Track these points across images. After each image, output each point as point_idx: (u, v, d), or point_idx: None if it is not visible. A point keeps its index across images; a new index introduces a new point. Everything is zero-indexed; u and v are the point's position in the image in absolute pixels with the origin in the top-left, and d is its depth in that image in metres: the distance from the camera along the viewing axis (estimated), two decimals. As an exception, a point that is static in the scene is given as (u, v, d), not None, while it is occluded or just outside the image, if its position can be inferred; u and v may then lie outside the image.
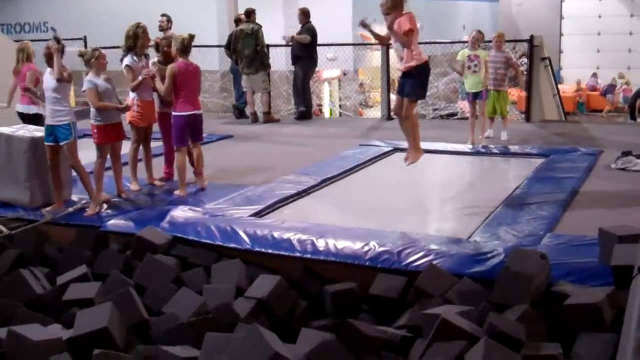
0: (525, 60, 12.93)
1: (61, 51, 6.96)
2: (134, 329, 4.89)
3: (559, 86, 14.91)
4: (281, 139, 11.34)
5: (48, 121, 6.99)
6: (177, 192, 7.65)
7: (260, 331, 4.12)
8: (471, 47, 10.00)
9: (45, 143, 7.08)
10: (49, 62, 6.91)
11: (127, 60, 7.65)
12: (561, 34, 29.82)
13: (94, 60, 7.16)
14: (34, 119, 9.11)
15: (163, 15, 11.94)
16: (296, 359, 4.02)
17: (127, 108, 7.51)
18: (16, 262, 6.10)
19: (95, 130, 7.32)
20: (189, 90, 7.56)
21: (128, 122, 7.80)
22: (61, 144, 6.99)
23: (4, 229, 6.70)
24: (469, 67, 9.94)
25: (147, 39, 7.79)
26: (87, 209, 7.08)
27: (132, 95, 7.77)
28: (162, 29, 11.64)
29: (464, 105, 14.92)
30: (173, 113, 7.61)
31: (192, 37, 7.61)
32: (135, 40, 7.69)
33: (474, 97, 10.04)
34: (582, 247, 5.40)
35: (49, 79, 6.96)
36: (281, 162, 9.10)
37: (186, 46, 7.56)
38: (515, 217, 6.42)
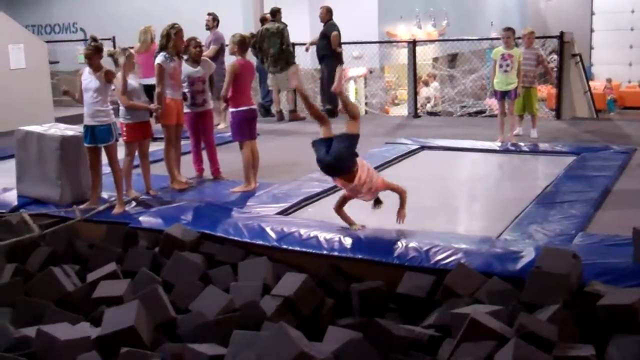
0: (555, 56, 12.79)
1: (99, 51, 6.96)
2: (161, 327, 4.91)
3: (590, 83, 14.71)
4: (307, 137, 11.19)
5: (87, 121, 6.98)
6: (239, 188, 7.67)
7: (286, 330, 4.11)
8: (506, 46, 9.88)
9: (85, 144, 7.08)
10: (89, 62, 6.91)
11: (159, 59, 7.67)
12: (592, 30, 29.48)
13: (124, 59, 7.22)
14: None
15: (209, 14, 12.10)
16: (322, 358, 3.99)
17: (155, 109, 7.53)
18: (48, 260, 6.16)
19: (124, 128, 7.38)
20: (247, 87, 7.71)
21: (156, 122, 7.81)
22: (99, 145, 7.01)
23: (36, 228, 6.74)
24: (501, 66, 9.83)
25: (180, 40, 7.78)
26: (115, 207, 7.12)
27: (168, 94, 7.74)
28: (208, 27, 11.72)
29: (492, 103, 14.82)
30: (232, 109, 7.70)
31: (253, 35, 7.72)
32: (168, 40, 7.70)
33: (503, 95, 9.94)
34: (615, 247, 5.33)
35: (89, 79, 6.94)
36: (307, 160, 9.02)
37: (244, 44, 7.69)
38: (546, 215, 6.34)
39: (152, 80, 8.15)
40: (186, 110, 8.03)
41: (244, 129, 7.69)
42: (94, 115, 6.94)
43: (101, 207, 7.14)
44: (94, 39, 7.05)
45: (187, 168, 8.30)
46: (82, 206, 7.20)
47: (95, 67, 6.92)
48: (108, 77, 6.93)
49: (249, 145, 7.71)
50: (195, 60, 7.99)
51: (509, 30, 9.97)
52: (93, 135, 6.99)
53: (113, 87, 7.21)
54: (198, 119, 8.12)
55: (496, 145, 9.83)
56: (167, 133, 7.87)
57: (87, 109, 6.98)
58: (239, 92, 7.60)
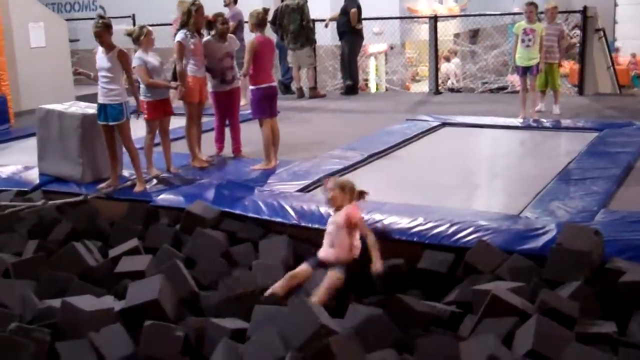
0: (578, 31, 12.65)
1: (108, 28, 6.92)
2: (184, 301, 4.95)
3: (614, 58, 14.53)
4: (327, 114, 11.31)
5: (100, 100, 6.98)
6: (259, 166, 7.69)
7: (308, 304, 4.13)
8: (528, 21, 9.77)
9: (99, 122, 7.08)
10: (100, 40, 6.90)
11: (179, 36, 7.65)
12: (616, 4, 29.03)
13: (143, 37, 7.22)
14: None
15: None
16: (343, 332, 4.01)
17: (176, 87, 7.54)
18: (69, 236, 6.21)
19: (145, 106, 7.39)
20: (267, 64, 7.68)
21: (179, 99, 7.82)
22: (111, 123, 6.98)
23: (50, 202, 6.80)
24: (523, 41, 9.73)
25: (200, 17, 7.73)
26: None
27: (190, 71, 7.72)
28: (226, 4, 11.71)
29: (514, 79, 14.68)
30: (251, 87, 7.68)
31: (266, 11, 7.75)
32: (189, 17, 7.67)
33: (524, 70, 9.85)
34: (637, 224, 5.28)
35: (101, 58, 6.92)
36: (327, 138, 9.08)
37: (262, 20, 7.67)
38: (567, 192, 6.30)
39: None
40: (215, 88, 8.02)
41: (264, 106, 7.68)
42: (105, 94, 6.93)
43: (121, 186, 7.17)
44: (101, 16, 7.04)
45: (207, 146, 8.31)
46: (103, 185, 7.22)
47: (107, 46, 6.88)
48: (121, 57, 6.87)
49: (269, 123, 7.69)
50: (222, 37, 7.97)
51: (532, 4, 9.84)
52: (105, 114, 6.97)
53: (133, 65, 7.22)
54: (227, 97, 8.10)
55: (518, 121, 9.75)
56: (189, 110, 7.86)
57: (100, 87, 6.97)
58: (258, 70, 7.58)
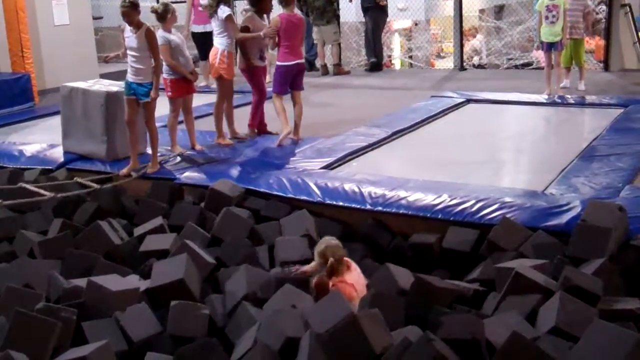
0: (604, 7, 12.47)
1: (136, 7, 6.88)
2: (207, 280, 4.99)
3: (640, 33, 14.31)
4: (352, 91, 11.29)
5: (129, 77, 6.99)
6: (281, 137, 7.72)
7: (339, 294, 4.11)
8: None
9: (125, 96, 7.07)
10: (127, 20, 6.89)
11: (228, 10, 7.65)
12: (643, -21, 28.58)
13: (170, 15, 7.24)
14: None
15: None
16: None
17: (196, 76, 7.57)
18: (94, 214, 6.26)
19: (169, 84, 7.40)
20: (293, 41, 7.70)
21: (215, 77, 7.83)
22: (140, 101, 6.99)
23: (94, 185, 6.83)
24: (547, 18, 9.61)
25: None
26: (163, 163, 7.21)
27: (221, 48, 7.72)
28: None
29: (539, 55, 14.51)
30: (277, 63, 7.76)
31: None
32: None
33: (549, 47, 9.74)
34: (662, 200, 5.24)
35: (129, 37, 6.91)
36: (352, 115, 9.06)
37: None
38: (592, 169, 6.26)
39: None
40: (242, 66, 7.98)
41: (283, 84, 7.74)
42: (135, 73, 6.93)
43: (141, 169, 7.16)
44: None
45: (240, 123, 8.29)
46: (124, 170, 7.18)
47: (135, 25, 6.88)
48: (148, 35, 6.85)
49: (280, 97, 7.79)
50: (266, 14, 7.97)
51: None
52: (133, 90, 6.97)
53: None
54: (262, 72, 8.16)
55: (543, 97, 9.67)
56: (225, 87, 7.86)
57: (129, 66, 6.99)
58: (284, 47, 7.63)
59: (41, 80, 11.61)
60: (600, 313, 3.91)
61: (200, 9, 10.40)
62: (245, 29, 7.76)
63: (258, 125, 8.23)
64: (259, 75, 8.06)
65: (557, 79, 9.95)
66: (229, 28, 7.64)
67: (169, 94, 7.49)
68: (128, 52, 6.97)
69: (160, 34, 7.25)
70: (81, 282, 4.70)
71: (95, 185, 6.78)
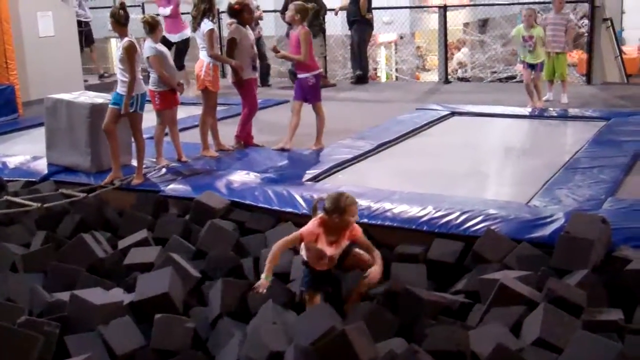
0: (586, 21, 12.59)
1: (117, 23, 6.88)
2: (192, 292, 4.98)
3: (621, 47, 14.48)
4: (337, 104, 11.27)
5: (117, 88, 6.98)
6: (314, 147, 7.96)
7: (324, 306, 4.12)
8: (526, 25, 9.83)
9: (110, 105, 7.02)
10: (118, 30, 6.88)
11: (211, 24, 7.66)
12: (624, -6, 28.88)
13: (159, 27, 7.26)
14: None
15: None
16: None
17: (182, 88, 7.57)
18: (78, 227, 6.22)
19: (157, 96, 7.39)
20: (312, 50, 8.00)
21: (200, 89, 7.83)
22: (122, 112, 6.94)
23: (78, 194, 6.78)
24: (524, 46, 9.85)
25: (215, 3, 7.83)
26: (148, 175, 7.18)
27: (207, 60, 7.72)
28: None
29: (522, 68, 14.64)
30: (313, 73, 7.90)
31: (314, 7, 8.14)
32: (210, 4, 7.69)
33: (529, 66, 9.90)
34: (644, 212, 5.28)
35: (118, 48, 6.90)
36: (337, 127, 9.07)
37: (309, 12, 7.94)
38: (575, 181, 6.30)
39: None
40: (248, 75, 8.00)
41: (320, 90, 8.03)
42: (121, 85, 6.91)
43: (130, 178, 7.12)
44: (120, 6, 6.98)
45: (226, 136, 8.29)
46: (106, 180, 7.13)
47: (121, 36, 6.88)
48: (127, 49, 6.76)
49: (322, 106, 8.02)
50: (249, 24, 8.00)
51: (530, 10, 10.10)
52: (118, 103, 6.92)
53: (147, 55, 7.22)
54: (255, 85, 8.20)
55: (526, 110, 9.75)
56: (210, 99, 7.86)
57: (118, 77, 6.98)
58: (312, 57, 7.94)
59: (25, 92, 11.55)
60: (584, 324, 3.94)
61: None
62: (232, 40, 7.77)
63: (245, 138, 8.23)
64: (251, 87, 8.06)
65: (538, 92, 10.04)
66: (207, 42, 7.65)
67: (157, 106, 7.47)
68: (116, 63, 6.96)
69: (149, 44, 7.25)
70: (64, 295, 4.68)
71: (80, 194, 6.75)
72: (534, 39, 9.69)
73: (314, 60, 7.98)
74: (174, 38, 11.40)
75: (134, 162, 7.34)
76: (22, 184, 7.34)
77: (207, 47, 7.64)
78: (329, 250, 4.61)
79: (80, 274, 5.22)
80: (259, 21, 12.51)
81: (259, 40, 12.34)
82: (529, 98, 9.95)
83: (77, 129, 7.44)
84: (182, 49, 11.79)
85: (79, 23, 13.65)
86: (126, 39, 6.83)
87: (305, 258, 4.74)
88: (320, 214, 4.66)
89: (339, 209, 4.48)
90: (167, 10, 11.53)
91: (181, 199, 6.63)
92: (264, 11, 13.40)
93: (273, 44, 8.27)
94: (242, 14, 7.86)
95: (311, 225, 4.62)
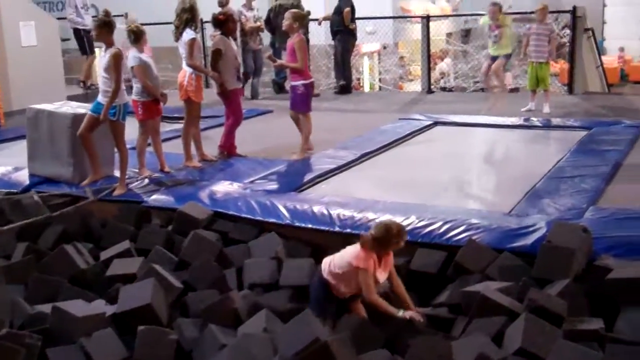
0: (567, 31, 12.70)
1: (105, 26, 6.89)
2: (175, 304, 4.96)
3: (602, 57, 14.61)
4: (321, 114, 11.26)
5: (99, 98, 6.96)
6: (296, 156, 7.98)
7: (309, 317, 4.12)
8: (491, 17, 10.04)
9: (89, 112, 7.02)
10: (105, 39, 6.85)
11: (192, 33, 7.65)
12: (604, 5, 29.15)
13: (145, 36, 7.25)
14: None
15: None
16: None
17: (165, 99, 7.55)
18: (60, 238, 6.18)
19: (140, 106, 7.38)
20: (307, 59, 8.07)
21: (183, 99, 7.82)
22: (101, 119, 6.90)
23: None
24: (490, 37, 10.03)
25: (198, 13, 7.83)
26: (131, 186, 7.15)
27: (189, 70, 7.71)
28: (221, 4, 11.77)
29: (507, 78, 14.74)
30: (304, 81, 7.96)
31: (309, 13, 8.26)
32: (193, 14, 7.68)
33: (493, 58, 10.10)
34: (625, 221, 5.32)
35: (102, 57, 6.86)
36: (321, 137, 9.08)
37: (306, 20, 8.19)
38: (557, 190, 6.34)
39: None
40: (233, 86, 7.99)
41: (310, 100, 8.08)
42: (104, 94, 6.90)
43: (112, 187, 7.09)
44: (104, 14, 6.97)
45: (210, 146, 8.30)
46: (84, 182, 7.18)
47: (107, 45, 6.86)
48: (115, 57, 6.79)
49: (310, 116, 8.05)
50: (232, 35, 8.00)
51: (495, 5, 10.55)
52: (98, 110, 6.93)
53: (132, 64, 7.21)
54: (240, 95, 8.20)
55: (509, 120, 9.80)
56: (193, 110, 7.85)
57: (100, 86, 6.96)
58: (306, 66, 7.97)
59: (7, 102, 11.50)
60: (565, 333, 3.96)
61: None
62: (217, 51, 7.78)
63: (228, 148, 8.22)
64: (236, 97, 8.05)
65: (500, 83, 10.27)
66: (187, 52, 7.65)
67: (140, 116, 7.45)
68: (99, 72, 6.92)
69: (134, 54, 7.24)
70: (46, 307, 4.65)
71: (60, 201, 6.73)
72: (501, 29, 9.85)
73: (306, 69, 8.02)
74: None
75: (117, 173, 7.31)
76: (3, 194, 7.27)
77: (187, 57, 7.64)
78: (382, 277, 4.65)
79: (62, 285, 5.20)
80: (260, 33, 12.51)
81: (256, 52, 12.37)
82: (486, 82, 10.22)
83: (59, 140, 7.41)
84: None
85: (78, 31, 13.69)
86: (114, 46, 6.84)
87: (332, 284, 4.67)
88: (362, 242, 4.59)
89: (399, 235, 4.55)
90: None
91: (164, 210, 6.61)
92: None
93: (267, 53, 8.30)
94: (227, 25, 7.88)
95: (362, 254, 4.54)
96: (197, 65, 7.69)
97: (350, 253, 4.64)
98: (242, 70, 8.19)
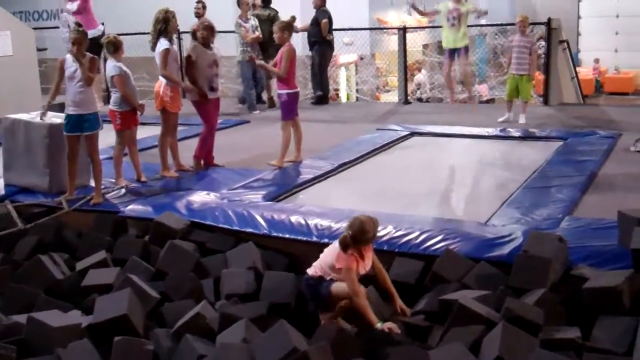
0: (543, 43, 12.81)
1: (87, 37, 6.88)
2: (151, 314, 4.93)
3: (577, 69, 14.77)
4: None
5: (72, 110, 6.83)
6: (273, 162, 8.00)
7: (285, 327, 4.10)
8: (455, 1, 10.02)
9: (65, 133, 6.92)
10: (78, 48, 6.78)
11: (166, 44, 7.62)
12: (579, 17, 29.50)
13: (121, 47, 7.23)
14: None
15: (198, 1, 12.16)
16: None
17: (143, 108, 7.53)
18: (35, 248, 6.14)
19: (118, 116, 7.34)
20: (295, 70, 8.10)
21: (159, 110, 7.78)
22: (85, 133, 6.88)
23: (19, 222, 6.68)
24: (448, 19, 9.98)
25: (176, 24, 7.78)
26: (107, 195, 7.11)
27: (164, 81, 7.68)
28: (198, 15, 11.76)
29: (481, 89, 14.83)
30: (288, 91, 8.01)
31: (294, 18, 8.31)
32: (167, 24, 7.65)
33: (451, 53, 10.01)
34: (601, 230, 5.36)
35: (73, 67, 6.78)
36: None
37: (292, 29, 8.17)
38: (533, 200, 6.38)
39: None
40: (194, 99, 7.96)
41: (293, 108, 8.08)
42: (80, 104, 6.82)
43: (87, 197, 7.06)
44: (79, 24, 6.97)
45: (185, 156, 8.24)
46: (61, 197, 7.09)
47: (82, 54, 6.82)
48: (92, 66, 6.78)
49: (290, 125, 8.09)
50: (208, 44, 7.97)
51: None
52: (78, 124, 6.85)
53: (112, 74, 7.19)
54: (213, 105, 8.11)
55: (485, 131, 9.85)
56: (169, 120, 7.82)
57: (73, 97, 6.82)
58: (291, 74, 8.03)
59: (-18, 112, 11.39)
60: (542, 342, 3.98)
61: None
62: (187, 58, 7.82)
63: (205, 157, 8.19)
64: (208, 107, 8.02)
65: (467, 85, 10.16)
66: (160, 62, 7.62)
67: (117, 126, 7.42)
68: (71, 82, 6.81)
69: (114, 64, 7.22)
70: (21, 318, 4.61)
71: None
72: (461, 12, 9.82)
73: (292, 78, 8.07)
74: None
75: (92, 183, 7.26)
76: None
77: (160, 67, 7.63)
78: (366, 268, 4.81)
79: (38, 296, 5.16)
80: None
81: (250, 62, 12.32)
82: (450, 93, 10.07)
83: (35, 150, 7.36)
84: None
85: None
86: (89, 55, 6.84)
87: (332, 280, 4.77)
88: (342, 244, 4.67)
89: (375, 227, 4.70)
90: (73, 6, 11.62)
91: (141, 220, 6.58)
92: (226, 32, 13.40)
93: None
94: (205, 36, 7.86)
95: (343, 255, 4.65)
96: (169, 76, 7.63)
97: (331, 255, 4.75)
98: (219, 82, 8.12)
